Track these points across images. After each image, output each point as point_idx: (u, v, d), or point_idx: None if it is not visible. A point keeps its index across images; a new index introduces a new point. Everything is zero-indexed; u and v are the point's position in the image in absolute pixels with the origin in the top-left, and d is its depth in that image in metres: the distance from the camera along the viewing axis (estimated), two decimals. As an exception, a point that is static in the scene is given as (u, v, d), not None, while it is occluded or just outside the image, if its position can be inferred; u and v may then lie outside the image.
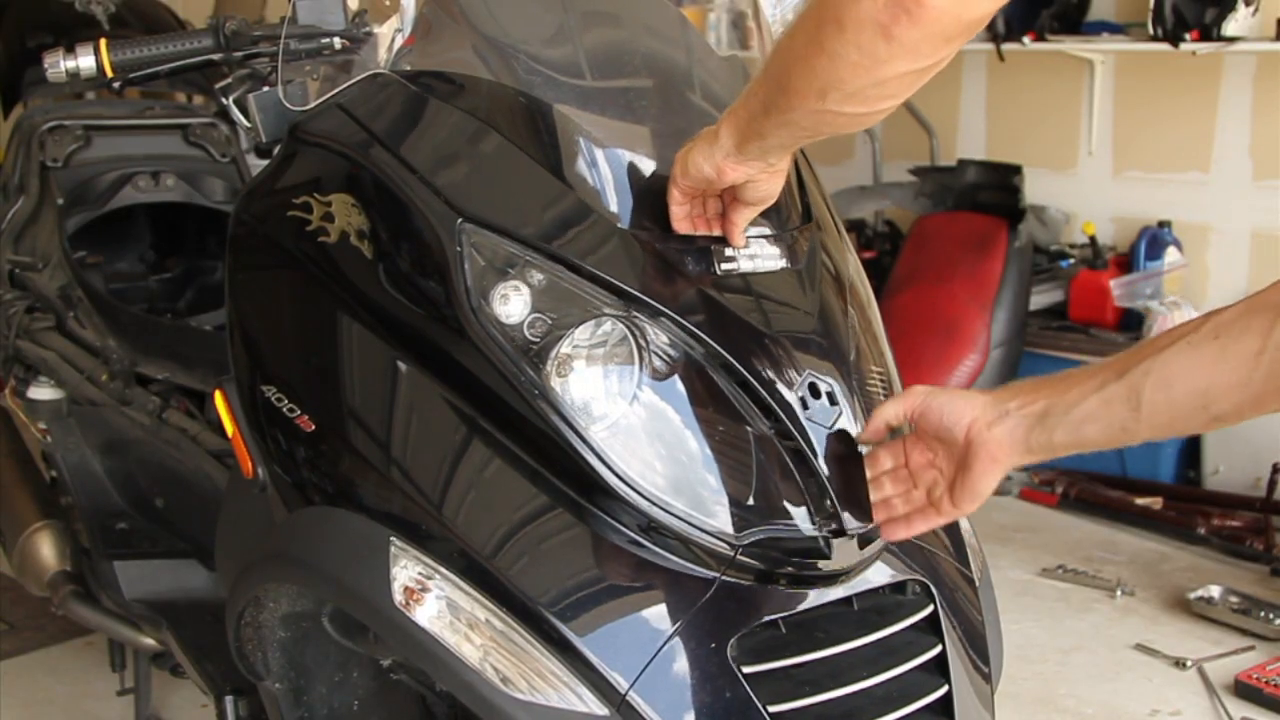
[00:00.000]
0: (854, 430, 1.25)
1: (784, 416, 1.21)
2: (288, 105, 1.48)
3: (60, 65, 1.62)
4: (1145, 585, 3.30)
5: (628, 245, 1.23)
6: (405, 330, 1.31)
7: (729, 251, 1.26)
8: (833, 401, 1.24)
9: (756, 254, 1.28)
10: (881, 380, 1.34)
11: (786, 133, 1.13)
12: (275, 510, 1.40)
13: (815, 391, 1.23)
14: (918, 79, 1.04)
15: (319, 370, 1.38)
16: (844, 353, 1.29)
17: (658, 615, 1.18)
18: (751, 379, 1.21)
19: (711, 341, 1.21)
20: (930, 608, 1.32)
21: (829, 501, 1.22)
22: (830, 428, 1.23)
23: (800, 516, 1.21)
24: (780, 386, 1.22)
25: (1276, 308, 1.08)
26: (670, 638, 1.17)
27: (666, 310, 1.21)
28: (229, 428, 1.51)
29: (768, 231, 1.30)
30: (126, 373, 2.14)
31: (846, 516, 1.21)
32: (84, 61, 1.62)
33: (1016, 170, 4.11)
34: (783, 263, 1.30)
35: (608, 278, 1.21)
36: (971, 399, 1.18)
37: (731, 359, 1.21)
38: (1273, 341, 1.06)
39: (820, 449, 1.22)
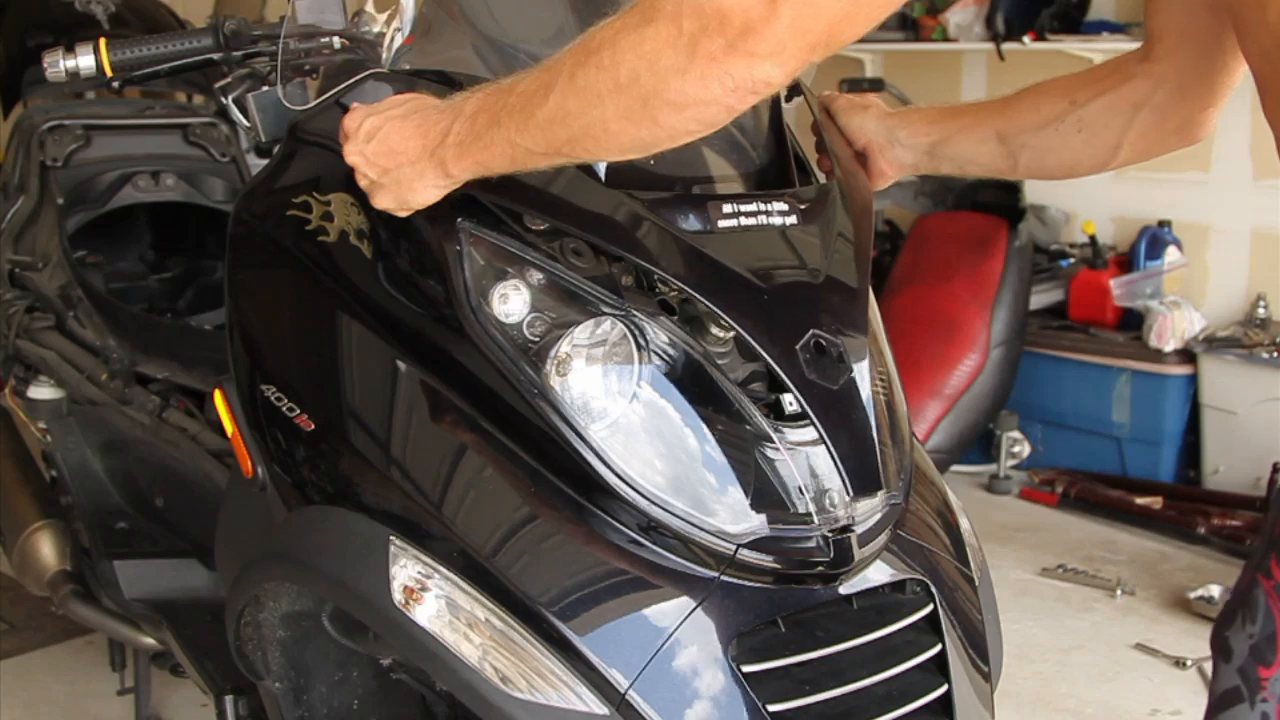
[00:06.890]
0: (865, 389, 1.19)
1: (781, 374, 1.15)
2: (287, 105, 1.48)
3: (60, 65, 1.62)
4: (1145, 585, 3.31)
5: (618, 205, 1.19)
6: (404, 330, 1.31)
7: (727, 208, 1.21)
8: (841, 360, 1.18)
9: (759, 210, 1.23)
10: (882, 379, 1.33)
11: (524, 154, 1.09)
12: (275, 510, 1.40)
13: (820, 349, 1.17)
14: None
15: (318, 369, 1.38)
16: (856, 311, 1.23)
17: (657, 614, 1.18)
18: (747, 336, 1.16)
19: (703, 298, 1.16)
20: (930, 607, 1.31)
21: (832, 469, 1.18)
22: (837, 386, 1.17)
23: (800, 515, 1.21)
24: (779, 344, 1.16)
25: (1132, 104, 1.34)
26: (670, 637, 1.16)
27: (657, 268, 1.17)
28: (229, 427, 1.51)
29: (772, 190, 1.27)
30: (126, 372, 2.14)
31: (854, 483, 1.16)
32: (84, 61, 1.62)
33: (1017, 170, 4.11)
34: (790, 220, 1.24)
35: (599, 240, 1.19)
36: (866, 121, 1.44)
37: (726, 316, 1.16)
38: (1128, 139, 1.36)
39: (822, 408, 1.16)
